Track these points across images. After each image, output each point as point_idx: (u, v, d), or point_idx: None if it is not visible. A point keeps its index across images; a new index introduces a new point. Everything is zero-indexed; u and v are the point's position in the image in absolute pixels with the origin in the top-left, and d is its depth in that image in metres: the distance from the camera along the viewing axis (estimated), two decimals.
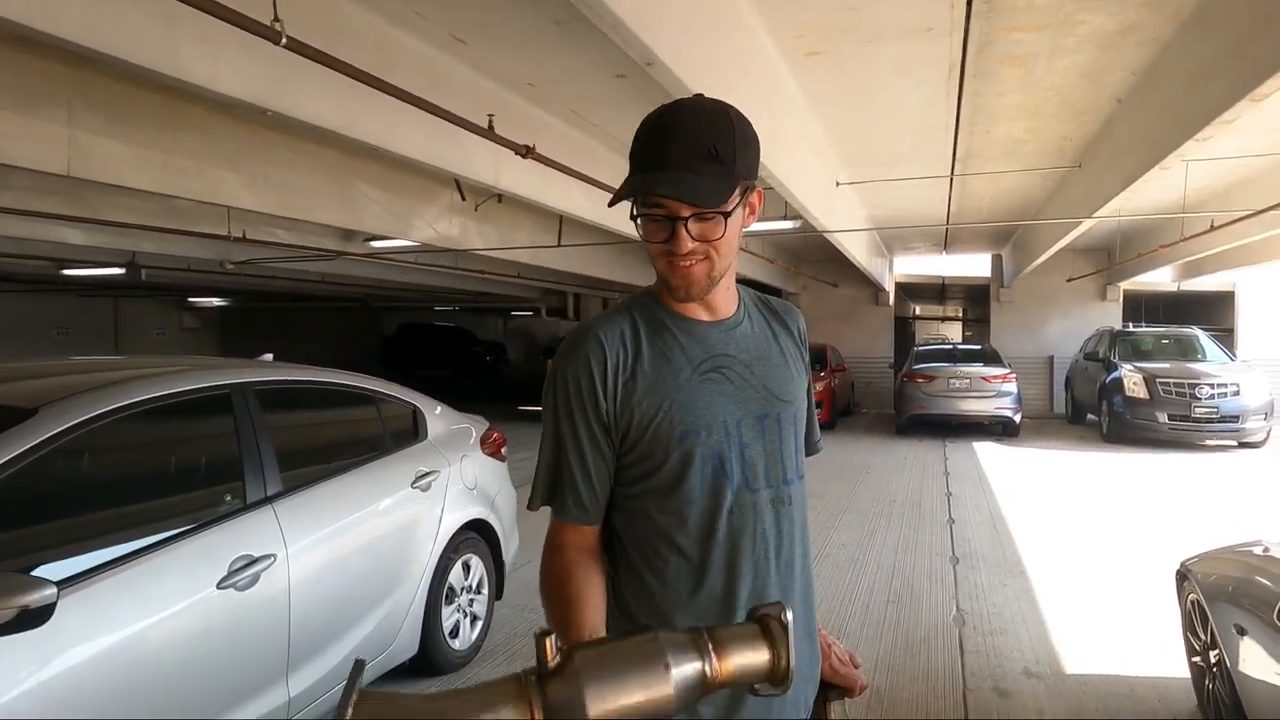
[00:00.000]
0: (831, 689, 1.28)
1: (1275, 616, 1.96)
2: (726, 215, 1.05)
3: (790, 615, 0.79)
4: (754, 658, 0.79)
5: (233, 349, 20.23)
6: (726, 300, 1.18)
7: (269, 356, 3.32)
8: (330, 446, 3.24)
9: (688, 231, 1.04)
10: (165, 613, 2.08)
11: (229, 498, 2.47)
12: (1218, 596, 2.77)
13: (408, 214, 7.49)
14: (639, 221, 1.08)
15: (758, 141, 1.11)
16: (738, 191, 1.06)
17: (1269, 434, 10.34)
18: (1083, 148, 7.02)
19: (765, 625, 0.81)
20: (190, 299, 18.42)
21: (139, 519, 2.22)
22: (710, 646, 0.78)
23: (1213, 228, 7.33)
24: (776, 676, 0.80)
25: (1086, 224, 7.85)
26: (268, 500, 2.54)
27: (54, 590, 1.65)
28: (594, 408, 1.10)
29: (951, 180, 8.19)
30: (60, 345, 16.73)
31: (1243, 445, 10.44)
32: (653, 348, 1.12)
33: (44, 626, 1.67)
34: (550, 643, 0.74)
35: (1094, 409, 11.90)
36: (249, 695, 2.33)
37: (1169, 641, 3.75)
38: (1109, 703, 3.27)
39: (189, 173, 5.37)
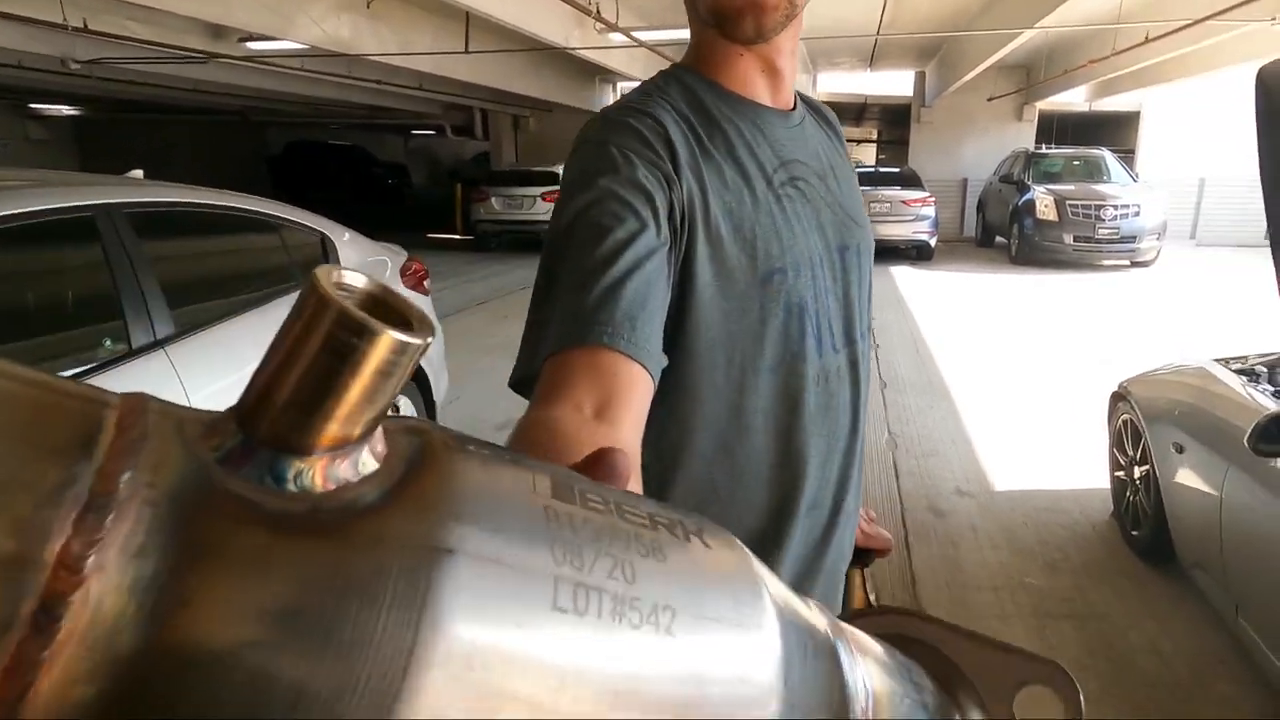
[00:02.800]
0: (865, 554, 1.10)
1: (1245, 441, 1.97)
2: None
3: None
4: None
5: (94, 164, 18.15)
6: (792, 76, 0.85)
7: (139, 173, 2.79)
8: (229, 280, 2.81)
9: None
10: None
11: (108, 342, 2.09)
12: (1159, 418, 2.82)
13: (289, 9, 6.48)
14: None
15: None
16: None
17: (1159, 254, 10.86)
18: None
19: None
20: (32, 105, 16.11)
21: None
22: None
23: (1147, 40, 7.15)
24: None
25: (1027, 35, 7.54)
26: (158, 344, 2.17)
27: None
28: (663, 192, 0.72)
29: None
30: None
31: (1135, 264, 10.97)
32: (714, 142, 0.78)
33: None
34: None
35: (1004, 232, 12.18)
36: None
37: (1083, 455, 3.95)
38: (1036, 516, 3.42)
39: None
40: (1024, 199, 11.23)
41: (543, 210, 11.74)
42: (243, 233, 2.90)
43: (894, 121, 19.94)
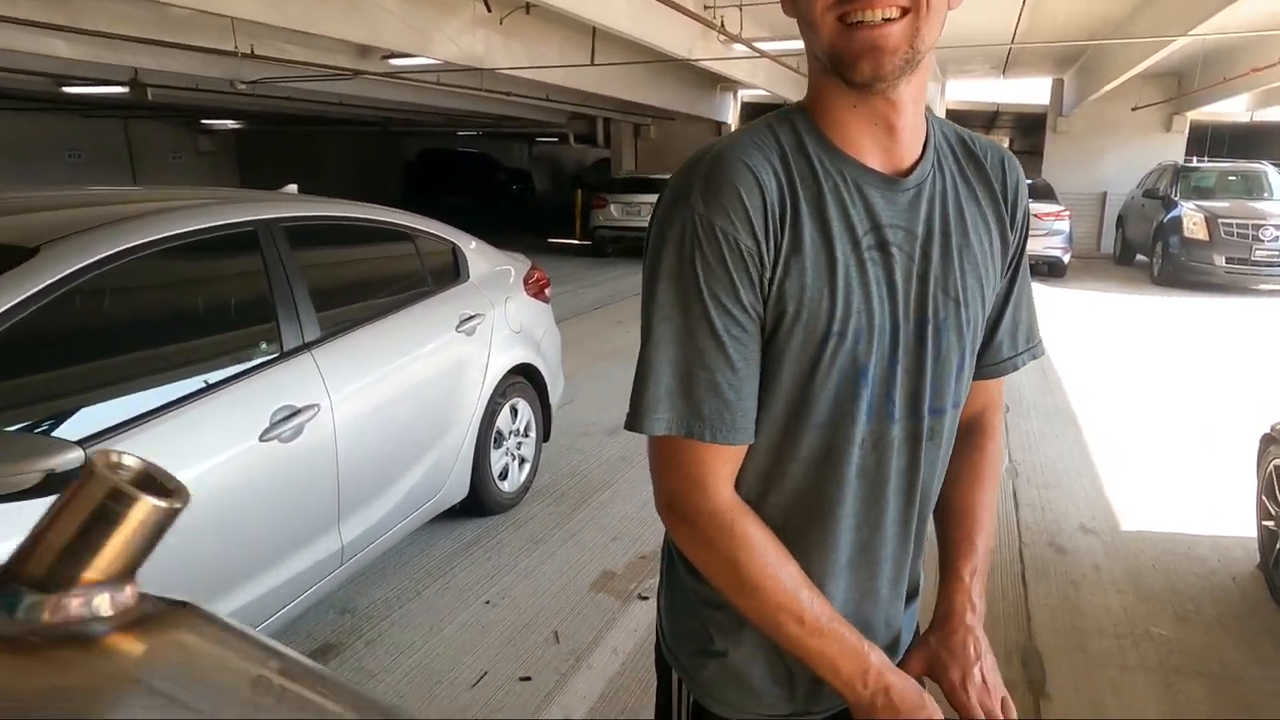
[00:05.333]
0: None
1: None
2: None
3: None
4: None
5: (251, 173, 19.73)
6: (914, 132, 0.81)
7: (293, 188, 3.05)
8: (369, 288, 3.03)
9: None
10: (205, 466, 1.96)
11: (264, 345, 2.30)
12: None
13: (428, 28, 6.87)
14: None
15: None
16: None
17: None
18: None
19: None
20: (204, 121, 17.72)
21: (167, 371, 2.06)
22: None
23: None
24: None
25: (1181, 42, 7.03)
26: (306, 347, 2.37)
27: (80, 453, 1.50)
28: (756, 271, 0.76)
29: None
30: (74, 168, 16.32)
31: None
32: (808, 203, 0.77)
33: None
34: None
35: (1146, 249, 11.37)
36: (300, 545, 2.28)
37: (1225, 499, 3.65)
38: (1166, 562, 3.19)
39: None
40: (1170, 216, 10.44)
41: None
42: (382, 242, 3.12)
43: (1028, 130, 18.96)
